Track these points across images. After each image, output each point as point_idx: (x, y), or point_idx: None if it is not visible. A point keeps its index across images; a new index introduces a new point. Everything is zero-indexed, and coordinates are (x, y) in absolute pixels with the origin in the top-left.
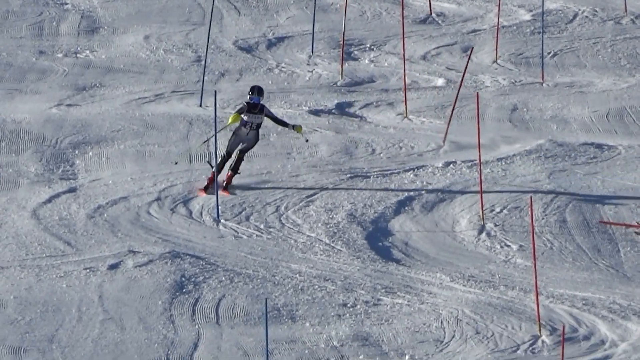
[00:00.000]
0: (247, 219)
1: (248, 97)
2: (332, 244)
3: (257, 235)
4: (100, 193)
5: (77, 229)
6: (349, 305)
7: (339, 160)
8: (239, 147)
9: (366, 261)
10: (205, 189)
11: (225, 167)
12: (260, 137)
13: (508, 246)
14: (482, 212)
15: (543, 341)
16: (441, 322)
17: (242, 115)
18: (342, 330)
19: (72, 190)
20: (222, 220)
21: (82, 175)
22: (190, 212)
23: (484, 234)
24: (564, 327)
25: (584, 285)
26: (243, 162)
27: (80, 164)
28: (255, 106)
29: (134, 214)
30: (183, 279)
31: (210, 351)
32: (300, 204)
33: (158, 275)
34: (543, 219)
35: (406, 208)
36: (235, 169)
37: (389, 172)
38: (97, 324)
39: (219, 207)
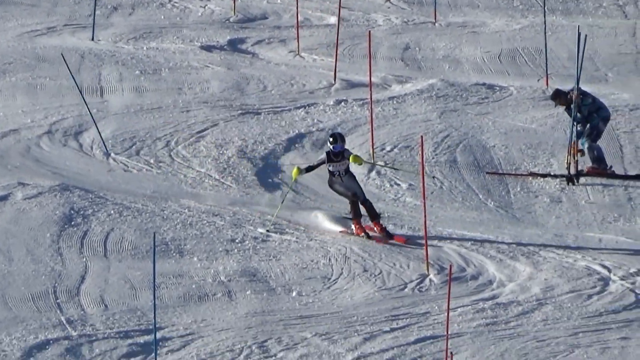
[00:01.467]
0: (137, 153)
1: (330, 146)
2: (222, 180)
3: (146, 170)
4: None
5: None
6: (237, 240)
7: (230, 96)
8: (352, 194)
9: (256, 197)
10: (366, 234)
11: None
12: (354, 174)
13: (398, 185)
14: (373, 151)
15: (431, 280)
16: (329, 259)
17: (328, 167)
18: (229, 266)
19: None
20: (112, 154)
21: None
22: (81, 146)
23: (373, 172)
24: (451, 266)
25: (472, 225)
26: (371, 204)
27: None
28: (337, 154)
29: (24, 147)
30: (72, 211)
31: (98, 284)
32: (191, 140)
33: (47, 208)
34: (433, 158)
35: (296, 145)
36: (375, 216)
37: (280, 109)
38: None
39: (109, 141)
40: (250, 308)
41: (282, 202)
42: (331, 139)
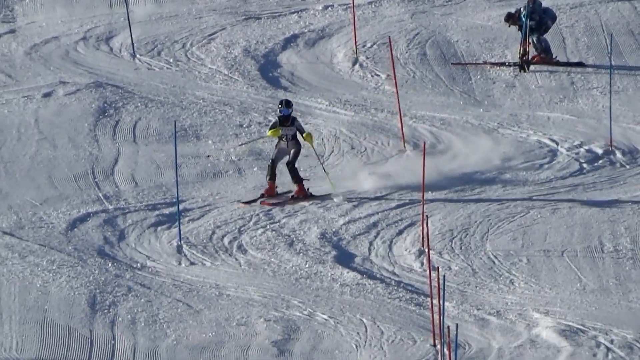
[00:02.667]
0: (159, 54)
1: (278, 110)
2: (230, 75)
3: (167, 68)
4: (36, 33)
5: (16, 64)
6: (244, 125)
7: (235, 4)
8: (284, 160)
9: (259, 89)
10: (267, 197)
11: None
12: (302, 144)
13: (377, 75)
14: (356, 47)
15: (407, 155)
16: (322, 140)
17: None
18: (239, 147)
19: (11, 31)
20: (138, 55)
21: (20, 19)
22: (111, 49)
23: (357, 65)
24: (425, 143)
25: (441, 108)
26: (298, 170)
27: (19, 9)
28: (286, 119)
29: (63, 51)
30: (105, 104)
31: (129, 165)
32: (203, 42)
33: (84, 102)
34: (407, 52)
35: (292, 44)
36: (299, 180)
37: (277, 14)
38: (33, 143)
39: (135, 44)
40: (257, 182)
41: (245, 143)
42: (280, 105)
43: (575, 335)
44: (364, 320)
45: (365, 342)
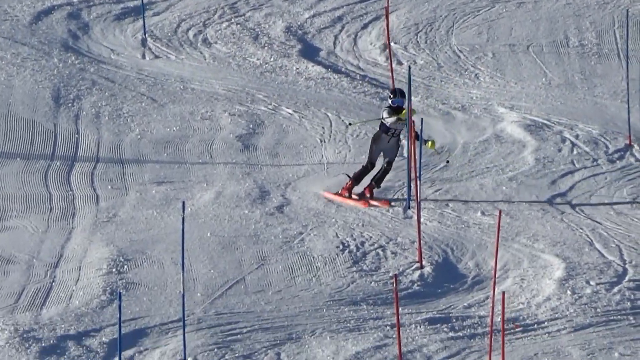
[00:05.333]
0: None
1: (389, 100)
2: None
3: None
4: None
5: None
6: None
7: None
8: (383, 159)
9: None
10: (347, 194)
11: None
12: (400, 146)
13: None
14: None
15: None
16: None
17: (385, 122)
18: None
19: None
20: None
21: None
22: None
23: None
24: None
25: None
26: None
27: None
28: (399, 110)
29: None
30: None
31: None
32: None
33: None
34: None
35: None
36: (378, 181)
37: None
38: None
39: None
40: None
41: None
42: (392, 95)
43: (540, 130)
44: (329, 114)
45: (330, 136)
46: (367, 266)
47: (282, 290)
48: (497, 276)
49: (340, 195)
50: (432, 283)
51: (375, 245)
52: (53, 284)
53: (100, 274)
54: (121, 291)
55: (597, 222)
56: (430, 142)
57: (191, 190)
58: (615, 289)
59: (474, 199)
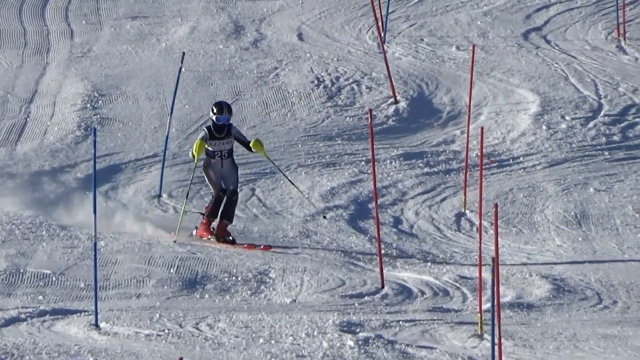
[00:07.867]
0: None
1: (213, 117)
2: None
3: None
4: None
5: None
6: None
7: None
8: (223, 185)
9: None
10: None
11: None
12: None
13: None
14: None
15: None
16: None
17: (207, 146)
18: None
19: None
20: None
21: None
22: None
23: None
24: None
25: None
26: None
27: None
28: (221, 129)
29: None
30: None
31: None
32: None
33: None
34: None
35: None
36: (228, 216)
37: None
38: None
39: None
40: None
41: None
42: (215, 109)
43: None
44: None
45: None
46: (342, 101)
47: (257, 125)
48: (471, 112)
49: (203, 237)
50: (407, 118)
51: (350, 80)
52: (27, 119)
53: (74, 110)
54: (96, 127)
55: (572, 56)
56: (253, 141)
57: (165, 25)
58: (591, 124)
59: (449, 34)
